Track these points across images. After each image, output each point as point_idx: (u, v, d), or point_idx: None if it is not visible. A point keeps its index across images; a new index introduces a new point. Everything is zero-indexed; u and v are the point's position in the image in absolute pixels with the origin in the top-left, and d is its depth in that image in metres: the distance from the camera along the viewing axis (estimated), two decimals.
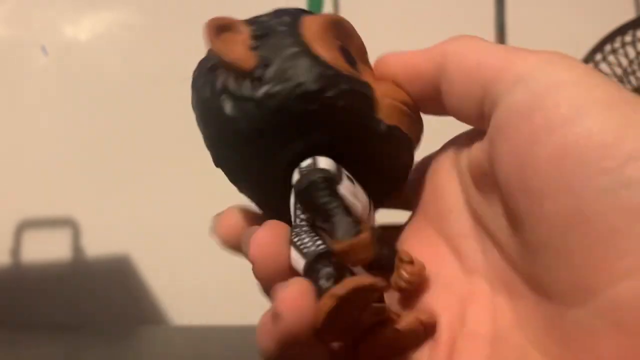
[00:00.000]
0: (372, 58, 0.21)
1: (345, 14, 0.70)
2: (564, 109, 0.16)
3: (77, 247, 0.68)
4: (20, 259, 0.67)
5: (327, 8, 0.66)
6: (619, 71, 0.55)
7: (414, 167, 0.22)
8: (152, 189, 0.68)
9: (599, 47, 0.55)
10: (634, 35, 0.54)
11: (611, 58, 0.55)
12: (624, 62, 0.55)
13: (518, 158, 0.16)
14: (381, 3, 0.67)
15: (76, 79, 0.68)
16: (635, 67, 0.54)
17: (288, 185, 0.19)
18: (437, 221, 0.21)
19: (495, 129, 0.18)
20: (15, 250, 0.67)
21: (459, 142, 0.21)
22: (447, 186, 0.20)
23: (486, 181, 0.18)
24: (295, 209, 0.18)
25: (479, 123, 0.19)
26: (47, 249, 0.67)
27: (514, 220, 0.17)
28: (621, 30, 0.54)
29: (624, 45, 0.55)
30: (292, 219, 0.18)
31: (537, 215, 0.16)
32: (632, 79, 0.55)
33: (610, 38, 0.54)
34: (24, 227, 0.67)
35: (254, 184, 0.20)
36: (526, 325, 0.17)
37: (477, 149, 0.19)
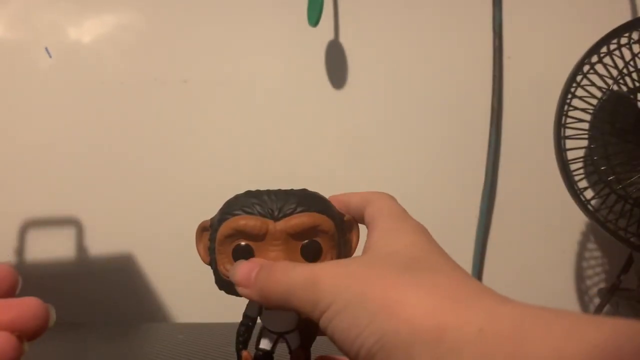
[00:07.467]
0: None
1: (344, 13, 0.71)
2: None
3: (80, 246, 0.68)
4: (25, 258, 0.67)
5: (327, 8, 0.66)
6: (614, 72, 0.56)
7: None
8: (155, 188, 0.69)
9: (594, 49, 0.55)
10: (629, 38, 0.55)
11: (607, 60, 0.56)
12: (620, 63, 0.55)
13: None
14: (380, 2, 0.68)
15: (80, 80, 0.68)
16: (630, 68, 0.55)
17: None
18: None
19: None
20: (20, 250, 0.67)
21: None
22: None
23: None
24: None
25: None
26: (51, 248, 0.67)
27: None
28: (617, 33, 0.55)
29: (619, 47, 0.55)
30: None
31: None
32: (628, 80, 0.55)
33: (606, 40, 0.55)
34: (28, 226, 0.68)
35: None
36: None
37: None
